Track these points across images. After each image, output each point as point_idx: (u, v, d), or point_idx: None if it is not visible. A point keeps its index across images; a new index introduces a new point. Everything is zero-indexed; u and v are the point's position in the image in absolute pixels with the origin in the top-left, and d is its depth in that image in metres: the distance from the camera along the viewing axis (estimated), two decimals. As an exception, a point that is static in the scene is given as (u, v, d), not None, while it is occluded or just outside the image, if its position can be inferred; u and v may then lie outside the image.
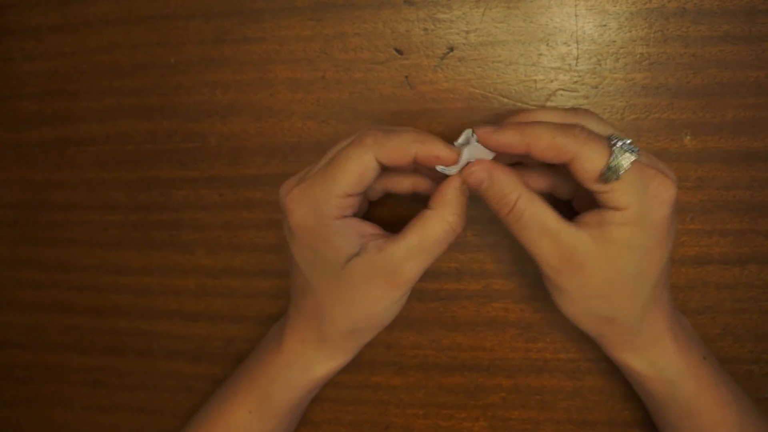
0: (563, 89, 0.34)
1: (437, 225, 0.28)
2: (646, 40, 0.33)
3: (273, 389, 0.32)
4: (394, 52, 0.35)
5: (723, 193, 0.34)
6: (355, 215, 0.30)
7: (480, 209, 0.36)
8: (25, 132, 0.40)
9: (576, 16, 0.33)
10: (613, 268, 0.27)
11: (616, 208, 0.26)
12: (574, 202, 0.32)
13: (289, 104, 0.37)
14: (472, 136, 0.27)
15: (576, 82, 0.34)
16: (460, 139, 0.28)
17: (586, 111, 0.29)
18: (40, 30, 0.39)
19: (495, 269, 0.36)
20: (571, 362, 0.36)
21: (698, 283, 0.35)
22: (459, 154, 0.27)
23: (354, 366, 0.38)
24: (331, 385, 0.38)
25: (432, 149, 0.27)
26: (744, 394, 0.32)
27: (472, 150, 0.28)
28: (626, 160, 0.25)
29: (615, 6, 0.33)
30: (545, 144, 0.26)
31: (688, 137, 0.34)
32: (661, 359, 0.30)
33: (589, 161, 0.25)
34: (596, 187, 0.26)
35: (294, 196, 0.28)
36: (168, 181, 0.39)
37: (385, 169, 0.28)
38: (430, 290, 0.37)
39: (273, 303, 0.39)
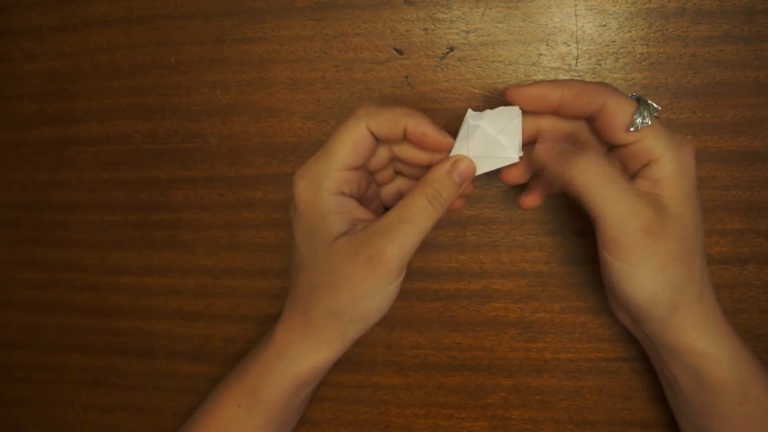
0: (563, 89, 0.34)
1: (416, 196, 0.28)
2: (645, 40, 0.33)
3: (261, 384, 0.32)
4: (394, 52, 0.35)
5: (723, 193, 0.34)
6: (358, 200, 0.30)
7: (479, 209, 0.36)
8: (25, 132, 0.40)
9: (576, 16, 0.33)
10: (680, 226, 0.28)
11: (650, 160, 0.27)
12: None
13: (289, 104, 0.37)
14: (472, 122, 0.28)
15: (576, 82, 0.34)
16: (462, 132, 0.29)
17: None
18: (40, 30, 0.39)
19: (495, 269, 0.36)
20: (571, 362, 0.36)
21: (698, 283, 0.35)
22: (450, 141, 0.29)
23: (354, 366, 0.38)
24: (331, 385, 0.38)
25: (420, 125, 0.28)
26: None
27: (476, 141, 0.28)
28: (653, 107, 0.27)
29: (615, 6, 0.33)
30: (578, 89, 0.28)
31: (688, 137, 0.34)
32: (719, 336, 0.29)
33: (619, 108, 0.27)
34: (626, 137, 0.27)
35: (300, 172, 0.29)
36: (168, 181, 0.39)
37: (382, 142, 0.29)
38: (430, 290, 0.37)
39: (273, 303, 0.39)
